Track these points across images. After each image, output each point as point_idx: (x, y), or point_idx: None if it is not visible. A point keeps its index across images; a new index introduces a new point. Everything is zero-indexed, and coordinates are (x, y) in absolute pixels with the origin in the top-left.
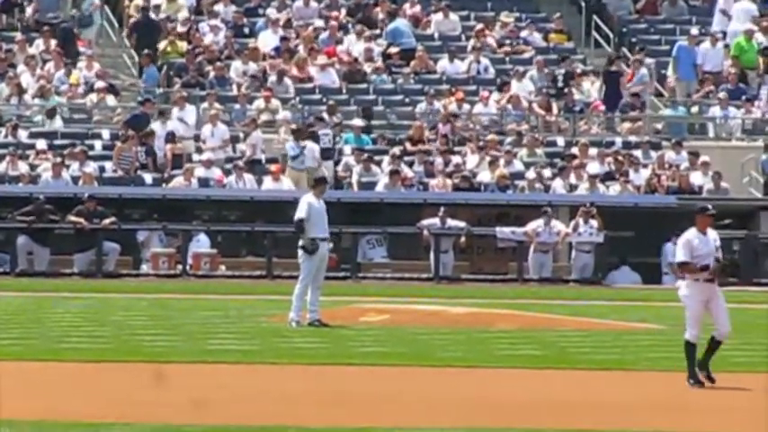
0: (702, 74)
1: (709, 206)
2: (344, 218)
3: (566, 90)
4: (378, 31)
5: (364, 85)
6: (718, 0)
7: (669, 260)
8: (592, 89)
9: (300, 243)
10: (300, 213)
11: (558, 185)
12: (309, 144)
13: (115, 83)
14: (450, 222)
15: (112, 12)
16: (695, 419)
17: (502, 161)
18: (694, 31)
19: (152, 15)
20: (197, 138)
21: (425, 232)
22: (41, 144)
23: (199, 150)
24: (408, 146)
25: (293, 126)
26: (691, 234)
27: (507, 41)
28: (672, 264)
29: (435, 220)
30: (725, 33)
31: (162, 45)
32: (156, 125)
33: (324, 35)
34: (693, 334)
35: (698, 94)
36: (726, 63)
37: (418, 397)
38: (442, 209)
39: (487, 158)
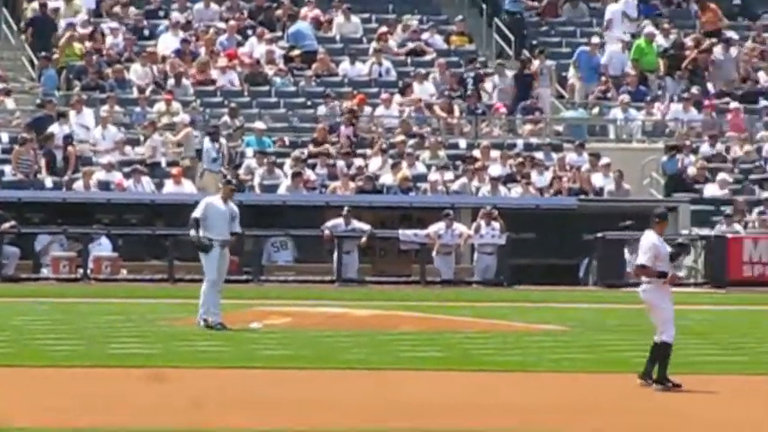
0: (604, 76)
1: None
2: (248, 221)
3: (469, 93)
4: (279, 34)
5: (266, 88)
6: (619, 1)
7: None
8: (493, 93)
9: (193, 240)
10: (195, 213)
11: (460, 187)
12: (224, 145)
13: (14, 86)
14: (356, 224)
15: (11, 14)
16: (597, 420)
17: (404, 164)
18: (595, 39)
19: (50, 15)
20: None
21: (326, 233)
22: None
23: (95, 153)
24: (311, 148)
25: (210, 128)
26: (654, 238)
27: (409, 44)
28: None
29: (339, 221)
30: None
31: (60, 46)
32: (54, 128)
33: (224, 37)
34: (671, 334)
35: (594, 95)
36: (627, 65)
37: (322, 399)
38: (346, 208)
39: (390, 161)
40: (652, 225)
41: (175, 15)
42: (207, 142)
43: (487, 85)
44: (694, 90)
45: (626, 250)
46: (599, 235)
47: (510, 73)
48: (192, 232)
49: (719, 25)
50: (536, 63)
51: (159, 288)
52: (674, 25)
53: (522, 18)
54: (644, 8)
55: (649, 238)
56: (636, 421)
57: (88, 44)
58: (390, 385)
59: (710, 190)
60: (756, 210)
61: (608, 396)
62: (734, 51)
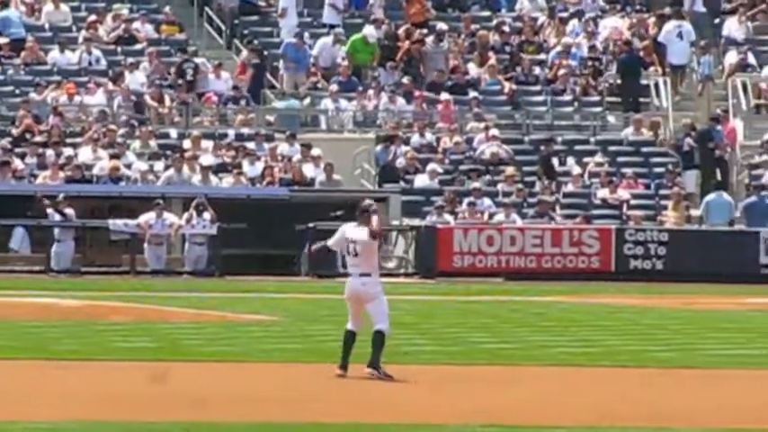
0: (315, 67)
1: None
2: None
3: (180, 83)
4: None
5: None
6: None
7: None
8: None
9: None
10: None
11: (170, 178)
12: None
13: None
14: (68, 211)
15: None
16: (308, 410)
17: (109, 153)
18: (307, 35)
19: None
20: None
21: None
22: None
23: None
24: (19, 138)
25: None
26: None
27: (119, 32)
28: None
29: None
30: (333, 26)
31: None
32: None
33: None
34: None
35: (305, 86)
36: (338, 58)
37: (31, 390)
38: (62, 195)
39: (100, 150)
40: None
41: None
42: None
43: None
44: (405, 80)
45: None
46: (311, 225)
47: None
48: None
49: (427, 16)
50: (244, 53)
51: None
52: (387, 16)
53: (232, 8)
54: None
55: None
56: (342, 411)
57: None
58: (101, 376)
59: (421, 180)
60: (466, 200)
61: (319, 385)
62: (445, 43)
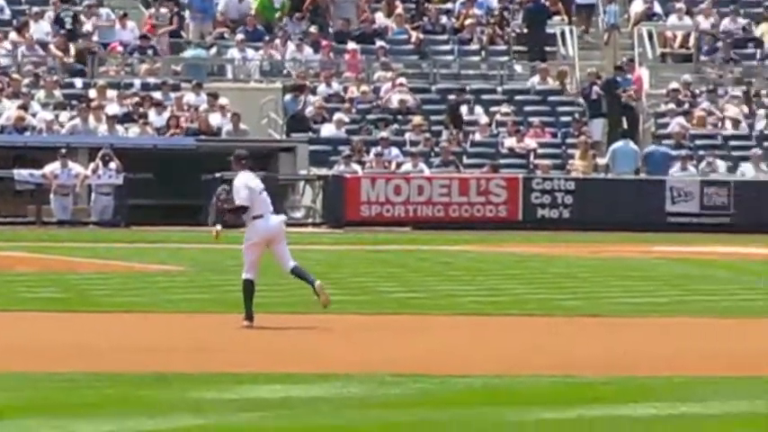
0: (222, 18)
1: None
2: None
3: (80, 31)
4: None
5: None
6: None
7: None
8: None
9: None
10: None
11: (75, 127)
12: None
13: None
14: None
15: None
16: (215, 360)
17: (14, 103)
18: None
19: None
20: None
21: None
22: None
23: None
24: None
25: None
26: (246, 178)
27: None
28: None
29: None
30: None
31: None
32: None
33: None
34: (252, 273)
35: (212, 36)
36: (248, 9)
37: None
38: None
39: (4, 100)
40: (239, 167)
41: None
42: None
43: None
44: (312, 30)
45: None
46: (217, 175)
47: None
48: None
49: None
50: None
51: None
52: None
53: None
54: None
55: (241, 178)
56: (249, 360)
57: None
58: (7, 327)
59: (328, 130)
60: (374, 150)
61: (226, 335)
62: None
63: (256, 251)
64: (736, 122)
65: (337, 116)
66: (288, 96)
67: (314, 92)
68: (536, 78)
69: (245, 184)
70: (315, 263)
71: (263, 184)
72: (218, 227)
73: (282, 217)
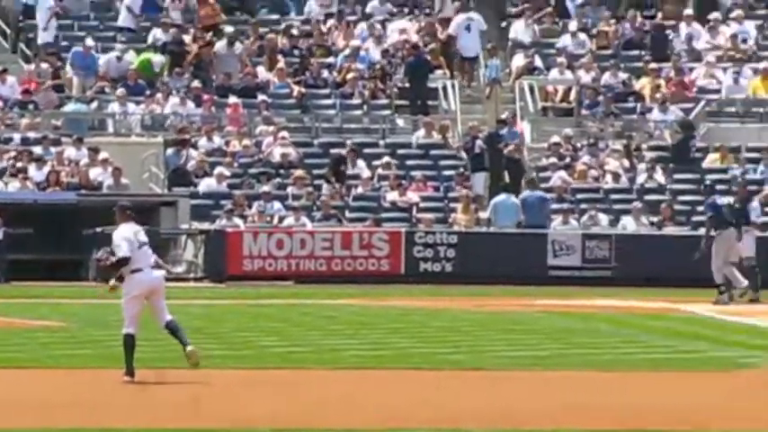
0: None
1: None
2: None
3: None
4: None
5: None
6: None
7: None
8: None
9: None
10: None
11: None
12: None
13: None
14: None
15: None
16: (95, 415)
17: None
18: (90, 41)
19: None
20: None
21: None
22: None
23: None
24: None
25: None
26: (127, 230)
27: None
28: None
29: None
30: (129, 29)
31: None
32: None
33: None
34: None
35: (93, 90)
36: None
37: None
38: None
39: None
40: (123, 218)
41: None
42: None
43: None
44: (196, 84)
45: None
46: (98, 230)
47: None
48: None
49: (217, 20)
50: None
51: None
52: (183, 19)
53: (16, 11)
54: (146, 5)
55: (121, 231)
56: (129, 416)
57: None
58: None
59: (209, 184)
60: (256, 204)
61: (107, 390)
62: (237, 47)
63: (137, 305)
64: (616, 176)
65: (219, 170)
66: (169, 150)
67: (195, 146)
68: (421, 132)
69: (124, 236)
70: (195, 317)
71: (147, 238)
72: (113, 281)
73: (162, 271)
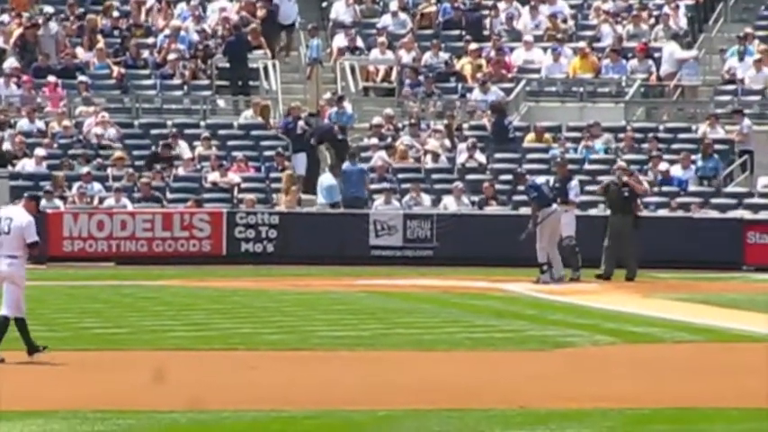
0: None
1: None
2: None
3: None
4: None
5: None
6: None
7: None
8: None
9: None
10: None
11: None
12: None
13: None
14: None
15: None
16: None
17: None
18: None
19: None
20: None
21: None
22: None
23: None
24: None
25: None
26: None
27: None
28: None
29: None
30: None
31: None
32: None
33: None
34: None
35: None
36: None
37: None
38: None
39: None
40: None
41: None
42: None
43: None
44: (15, 64)
45: None
46: None
47: None
48: None
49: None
50: None
51: None
52: None
53: None
54: None
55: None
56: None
57: None
58: None
59: (28, 165)
60: (76, 185)
61: None
62: (53, 27)
63: None
64: (436, 156)
65: (37, 151)
66: None
67: (13, 126)
68: (249, 112)
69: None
70: None
71: None
72: None
73: (11, 261)
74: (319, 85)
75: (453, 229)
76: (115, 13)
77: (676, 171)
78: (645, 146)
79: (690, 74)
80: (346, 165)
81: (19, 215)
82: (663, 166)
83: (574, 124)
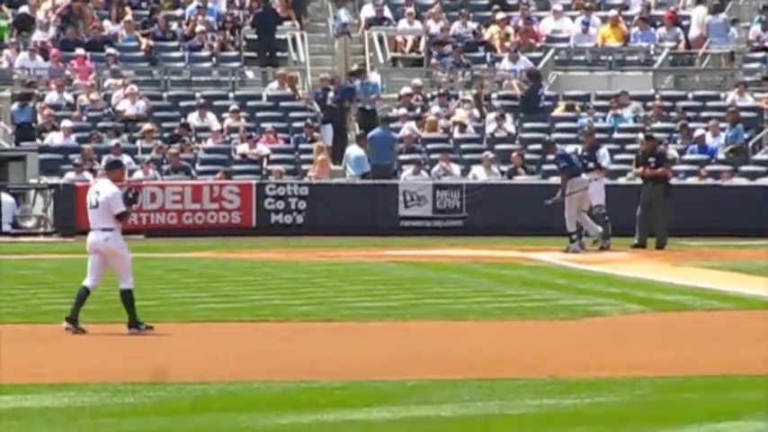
0: None
1: None
2: None
3: None
4: None
5: None
6: None
7: None
8: None
9: None
10: None
11: None
12: None
13: None
14: None
15: None
16: None
17: None
18: None
19: None
20: None
21: None
22: None
23: None
24: None
25: None
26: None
27: None
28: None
29: None
30: None
31: None
32: None
33: None
34: (131, 281)
35: None
36: None
37: None
38: None
39: None
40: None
41: None
42: None
43: None
44: (42, 38)
45: None
46: None
47: None
48: None
49: None
50: None
51: None
52: None
53: None
54: None
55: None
56: None
57: None
58: None
59: (58, 138)
60: (105, 157)
61: None
62: None
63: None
64: (464, 126)
65: (65, 124)
66: (15, 105)
67: (42, 99)
68: (275, 84)
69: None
70: (45, 272)
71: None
72: None
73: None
74: (348, 55)
75: (483, 199)
76: None
77: (706, 139)
78: (673, 114)
79: (719, 41)
80: (375, 131)
81: (105, 188)
82: (698, 132)
83: (602, 93)
